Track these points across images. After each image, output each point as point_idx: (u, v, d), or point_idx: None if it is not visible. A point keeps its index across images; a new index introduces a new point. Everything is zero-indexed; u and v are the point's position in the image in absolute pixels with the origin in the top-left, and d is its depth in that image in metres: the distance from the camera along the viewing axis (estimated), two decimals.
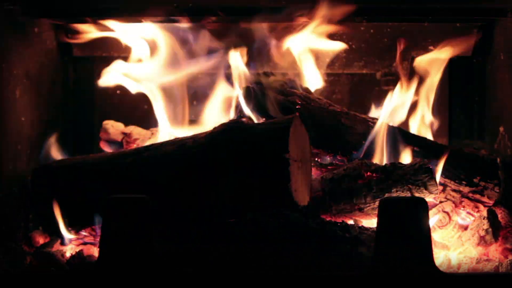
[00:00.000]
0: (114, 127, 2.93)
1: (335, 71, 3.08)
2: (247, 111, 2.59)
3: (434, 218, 2.46)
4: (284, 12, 2.61)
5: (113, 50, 3.02)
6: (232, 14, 2.71)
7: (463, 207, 2.50)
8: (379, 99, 2.80)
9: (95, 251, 2.37)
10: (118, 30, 2.79)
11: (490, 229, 2.39)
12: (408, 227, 2.07)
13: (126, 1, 2.66)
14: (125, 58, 2.87)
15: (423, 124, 2.77)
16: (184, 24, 2.75)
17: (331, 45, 2.86)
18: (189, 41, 2.77)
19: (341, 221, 2.34)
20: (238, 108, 2.63)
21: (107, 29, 2.78)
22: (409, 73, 2.94)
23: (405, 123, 2.77)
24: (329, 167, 2.58)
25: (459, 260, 2.33)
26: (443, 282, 2.08)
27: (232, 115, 2.66)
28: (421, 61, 2.84)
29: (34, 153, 2.68)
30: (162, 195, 2.28)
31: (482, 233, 2.39)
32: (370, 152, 2.54)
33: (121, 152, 2.51)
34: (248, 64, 2.74)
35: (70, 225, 2.40)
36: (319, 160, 2.60)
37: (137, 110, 3.06)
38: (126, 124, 2.97)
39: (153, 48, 2.81)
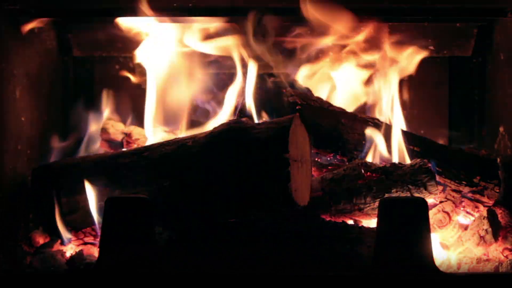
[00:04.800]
0: (114, 127, 2.93)
1: None
2: (247, 111, 2.59)
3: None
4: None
5: (113, 50, 3.02)
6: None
7: (463, 207, 2.50)
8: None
9: (95, 251, 2.37)
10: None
11: (490, 229, 2.39)
12: (407, 227, 2.07)
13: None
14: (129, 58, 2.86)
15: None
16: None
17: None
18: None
19: (341, 221, 2.35)
20: (238, 108, 2.62)
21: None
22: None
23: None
24: (329, 167, 2.58)
25: (459, 260, 2.33)
26: (443, 282, 2.08)
27: (232, 115, 2.66)
28: (419, 60, 2.85)
29: (34, 153, 2.68)
30: (162, 195, 2.28)
31: (482, 233, 2.39)
32: (370, 152, 2.55)
33: (121, 152, 2.51)
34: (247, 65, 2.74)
35: (70, 225, 2.40)
36: (319, 160, 2.59)
37: (137, 110, 3.06)
38: (126, 124, 2.97)
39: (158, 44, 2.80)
